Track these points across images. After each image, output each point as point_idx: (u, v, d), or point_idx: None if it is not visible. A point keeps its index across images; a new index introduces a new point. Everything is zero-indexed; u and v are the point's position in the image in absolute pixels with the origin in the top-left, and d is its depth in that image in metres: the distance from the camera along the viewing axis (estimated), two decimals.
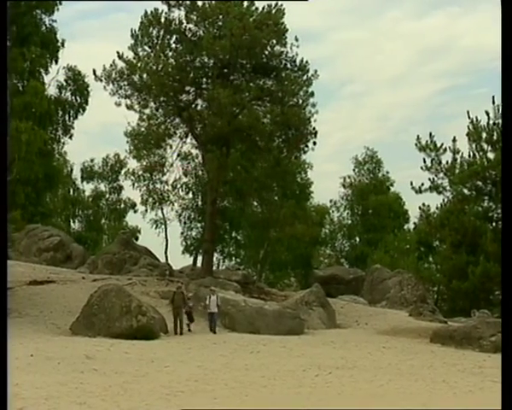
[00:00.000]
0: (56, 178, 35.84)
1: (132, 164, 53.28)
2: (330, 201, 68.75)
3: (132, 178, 47.11)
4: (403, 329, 33.71)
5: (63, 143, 36.58)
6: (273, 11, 40.47)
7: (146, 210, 49.72)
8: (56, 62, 32.04)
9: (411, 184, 34.38)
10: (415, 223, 42.88)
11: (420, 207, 35.57)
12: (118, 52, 40.50)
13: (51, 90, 32.30)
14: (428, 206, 35.12)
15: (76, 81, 32.85)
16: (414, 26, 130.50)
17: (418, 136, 33.91)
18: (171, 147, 44.07)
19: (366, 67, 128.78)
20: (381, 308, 42.52)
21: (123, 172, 65.69)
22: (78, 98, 33.10)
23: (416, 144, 34.03)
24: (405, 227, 65.66)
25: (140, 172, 46.51)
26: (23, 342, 23.59)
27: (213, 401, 15.74)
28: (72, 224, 71.13)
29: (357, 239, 68.58)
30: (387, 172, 69.40)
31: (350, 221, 69.17)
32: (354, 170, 69.55)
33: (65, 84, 32.72)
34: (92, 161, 70.98)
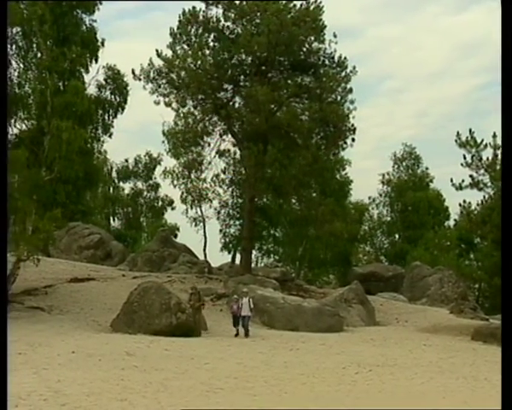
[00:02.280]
0: (96, 177, 36.17)
1: (168, 162, 53.57)
2: (369, 198, 68.41)
3: (171, 176, 47.24)
4: (444, 326, 33.37)
5: (103, 142, 36.89)
6: (311, 8, 40.35)
7: (186, 209, 49.86)
8: (96, 62, 32.35)
9: (451, 180, 34.06)
10: (455, 220, 42.40)
11: (460, 204, 35.20)
12: (157, 50, 40.77)
13: (91, 90, 32.62)
14: (469, 202, 34.75)
15: (115, 80, 33.10)
16: (453, 21, 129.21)
17: (458, 132, 33.57)
18: (209, 145, 44.22)
19: (404, 62, 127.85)
20: (422, 306, 42.16)
21: (159, 170, 66.08)
22: (117, 97, 33.34)
23: (455, 141, 33.67)
24: (446, 224, 65.00)
25: (179, 170, 46.61)
26: (64, 339, 23.85)
27: (253, 399, 15.74)
28: (111, 222, 71.76)
29: (397, 236, 68.09)
30: (426, 169, 68.82)
31: (389, 218, 68.70)
32: (393, 167, 69.08)
33: (104, 83, 32.99)
34: (127, 160, 71.62)
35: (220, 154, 45.99)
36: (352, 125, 41.55)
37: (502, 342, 13.31)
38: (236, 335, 28.15)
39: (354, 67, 41.35)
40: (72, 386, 15.96)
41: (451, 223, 57.76)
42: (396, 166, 69.02)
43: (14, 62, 31.75)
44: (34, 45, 30.72)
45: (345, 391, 17.07)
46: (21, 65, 31.85)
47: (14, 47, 31.45)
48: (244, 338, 27.93)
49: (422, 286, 46.41)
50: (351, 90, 41.19)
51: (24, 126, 32.24)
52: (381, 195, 68.70)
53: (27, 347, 21.73)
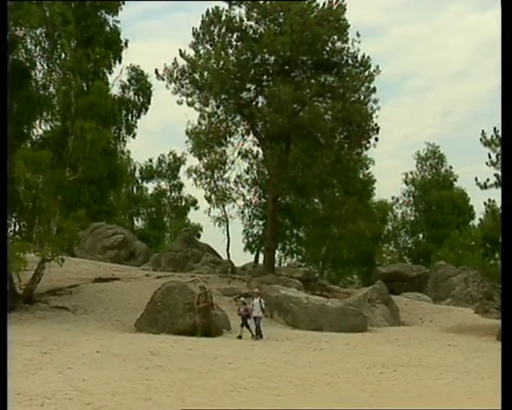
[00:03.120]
0: (120, 177, 36.37)
1: (191, 161, 53.67)
2: (392, 197, 68.09)
3: (194, 175, 47.37)
4: (469, 326, 33.12)
5: (125, 142, 37.04)
6: (334, 7, 40.24)
7: (209, 209, 49.97)
8: (120, 62, 32.52)
9: (476, 179, 33.76)
10: (480, 219, 42.11)
11: (485, 203, 34.92)
12: (180, 50, 40.90)
13: (115, 90, 32.79)
14: (494, 201, 34.44)
15: (139, 81, 33.26)
16: (477, 19, 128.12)
17: (483, 131, 33.26)
18: (232, 144, 44.27)
19: (428, 61, 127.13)
20: (446, 306, 41.88)
21: (183, 169, 66.29)
22: (140, 98, 33.48)
23: (480, 139, 33.37)
24: (470, 223, 64.53)
25: (202, 170, 46.71)
26: (89, 339, 23.98)
27: (277, 399, 15.71)
28: (135, 222, 72.07)
29: (421, 236, 67.71)
30: (450, 168, 68.37)
31: (413, 218, 68.36)
32: (417, 166, 68.71)
33: (128, 83, 33.15)
34: (151, 160, 71.88)
35: (243, 154, 46.03)
36: (376, 124, 41.43)
37: (502, 342, 13.24)
38: (239, 337, 27.26)
39: (377, 67, 41.28)
40: (97, 385, 16.03)
41: (476, 222, 57.37)
42: (420, 166, 68.67)
43: (38, 64, 31.99)
44: (58, 46, 30.88)
45: (369, 391, 16.98)
46: (46, 66, 32.07)
47: (38, 48, 31.67)
48: (269, 333, 27.98)
49: (447, 286, 46.10)
50: (374, 90, 41.08)
51: (48, 127, 32.46)
52: (404, 194, 68.40)
53: (53, 346, 21.87)
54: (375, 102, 41.24)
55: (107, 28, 32.50)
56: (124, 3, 32.80)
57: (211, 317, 27.72)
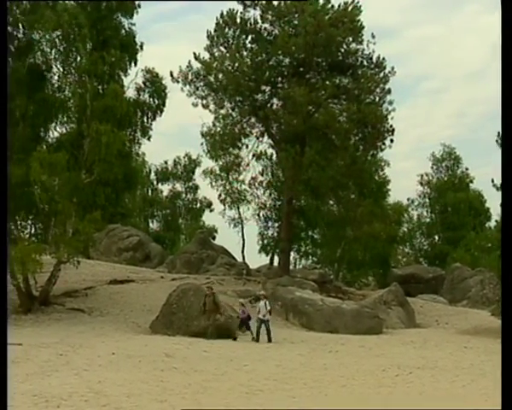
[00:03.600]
0: (135, 179, 36.49)
1: (207, 164, 53.74)
2: (408, 199, 67.89)
3: (210, 177, 47.51)
4: (485, 329, 32.94)
5: (140, 145, 37.11)
6: (349, 8, 40.18)
7: (224, 210, 50.06)
8: (135, 65, 32.59)
9: (492, 181, 33.60)
10: (496, 221, 41.89)
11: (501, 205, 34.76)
12: (194, 53, 40.99)
13: (130, 93, 32.85)
14: None
15: (154, 83, 33.28)
16: (492, 20, 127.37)
17: (499, 132, 33.09)
18: (246, 146, 44.27)
19: (443, 62, 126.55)
20: (462, 308, 41.70)
21: (198, 171, 66.47)
22: (156, 100, 33.52)
23: (496, 141, 33.24)
24: (487, 225, 64.23)
25: (217, 172, 46.81)
26: (105, 341, 24.04)
27: (292, 401, 15.67)
28: (150, 224, 72.23)
29: (436, 237, 67.46)
30: (467, 169, 68.07)
31: (428, 219, 68.11)
32: (432, 167, 68.46)
33: (143, 86, 33.20)
34: (166, 162, 72.05)
35: (258, 156, 46.04)
36: (391, 125, 41.32)
37: (502, 342, 13.15)
38: (235, 339, 27.06)
39: (393, 68, 41.22)
40: (113, 387, 16.06)
41: (492, 224, 57.10)
42: (435, 167, 68.43)
43: (54, 67, 32.15)
44: (74, 49, 31.02)
45: (385, 393, 16.91)
46: (61, 69, 32.22)
47: (53, 51, 31.82)
48: (285, 335, 27.93)
49: (463, 288, 45.92)
50: (389, 91, 41.01)
51: (64, 130, 32.60)
52: (420, 196, 68.17)
53: (68, 348, 21.94)
54: (391, 103, 41.23)
55: (123, 31, 32.59)
56: (139, 6, 32.88)
57: (218, 319, 27.44)
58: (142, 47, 32.49)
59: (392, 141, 41.70)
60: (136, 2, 32.65)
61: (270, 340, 26.76)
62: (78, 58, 31.31)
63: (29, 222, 32.77)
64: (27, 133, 30.06)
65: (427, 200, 68.12)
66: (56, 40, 31.19)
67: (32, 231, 32.98)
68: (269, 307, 27.57)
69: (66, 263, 30.75)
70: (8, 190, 14.69)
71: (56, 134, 32.72)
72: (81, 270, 33.04)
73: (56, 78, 32.40)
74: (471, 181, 67.61)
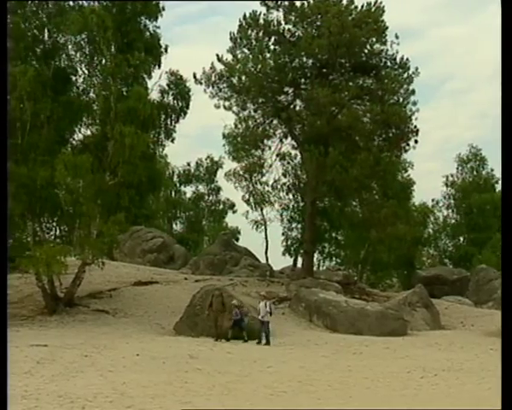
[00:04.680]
0: (159, 181, 36.58)
1: (229, 165, 53.84)
2: (432, 200, 67.45)
3: (233, 179, 47.55)
4: None
5: (164, 147, 37.17)
6: (372, 9, 40.02)
7: (247, 211, 50.09)
8: (159, 67, 32.62)
9: None
10: None
11: None
12: (217, 55, 41.07)
13: (154, 95, 32.91)
14: None
15: (178, 85, 33.31)
16: None
17: None
18: (269, 148, 44.27)
19: (467, 63, 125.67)
20: (488, 309, 41.32)
21: (221, 173, 66.59)
22: (179, 102, 33.54)
23: None
24: None
25: (240, 173, 46.84)
26: (129, 342, 24.15)
27: (317, 402, 15.62)
28: (173, 225, 72.42)
29: (461, 239, 66.96)
30: (492, 170, 67.48)
31: (453, 221, 67.63)
32: (458, 168, 67.99)
33: (167, 88, 33.24)
34: (189, 164, 72.21)
35: (281, 157, 45.99)
36: (415, 126, 41.08)
37: (502, 341, 13.02)
38: (227, 339, 26.62)
39: (416, 69, 40.98)
40: (137, 388, 16.11)
41: None
42: (460, 168, 67.96)
43: (79, 69, 32.35)
44: (98, 52, 31.18)
45: (410, 396, 16.80)
46: (86, 72, 32.41)
47: (79, 54, 32.01)
48: (308, 337, 27.83)
49: (488, 289, 45.52)
50: (413, 92, 40.79)
51: (88, 132, 32.78)
52: (445, 197, 67.72)
53: (93, 349, 22.06)
54: (415, 104, 40.98)
55: (147, 34, 32.68)
56: (164, 9, 32.93)
57: (225, 321, 27.25)
58: (166, 50, 32.54)
59: (416, 142, 41.47)
60: (161, 5, 32.71)
61: (268, 342, 26.33)
62: (103, 61, 31.46)
63: (54, 224, 32.95)
64: (52, 136, 30.24)
65: (452, 201, 67.64)
66: (82, 43, 31.36)
67: (57, 232, 33.17)
68: (268, 309, 27.21)
69: (90, 265, 30.91)
70: (8, 191, 14.74)
71: (81, 136, 32.90)
72: (105, 271, 33.19)
73: (81, 80, 32.62)
74: (496, 182, 67.02)
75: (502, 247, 20.50)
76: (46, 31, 31.56)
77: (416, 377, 19.61)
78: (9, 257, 29.98)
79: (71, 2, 32.07)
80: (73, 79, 32.43)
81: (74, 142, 32.77)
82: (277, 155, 45.21)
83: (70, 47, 31.95)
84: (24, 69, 29.03)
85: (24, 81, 28.44)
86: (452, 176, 68.03)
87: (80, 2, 32.08)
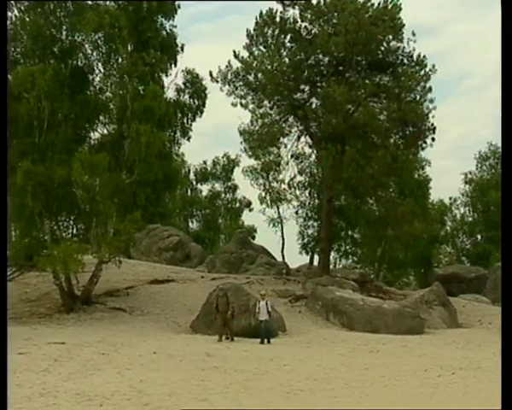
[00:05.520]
0: (175, 180, 36.62)
1: (245, 163, 53.79)
2: (450, 198, 67.13)
3: (249, 175, 47.60)
4: None
5: (180, 145, 37.17)
6: (389, 6, 39.87)
7: (264, 209, 50.10)
8: (175, 66, 32.62)
9: None
10: None
11: None
12: (234, 52, 41.06)
13: (170, 94, 32.94)
14: None
15: (194, 84, 33.31)
16: None
17: None
18: (285, 146, 44.23)
19: (483, 60, 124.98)
20: None
21: (237, 171, 66.64)
22: (195, 101, 33.55)
23: None
24: None
25: (257, 171, 46.84)
26: (146, 340, 24.21)
27: (333, 401, 15.60)
28: (190, 223, 72.54)
29: (479, 237, 66.58)
30: None
31: (471, 218, 67.27)
32: (477, 166, 67.61)
33: (183, 87, 33.25)
34: (205, 162, 72.30)
35: (297, 155, 45.93)
36: (432, 124, 40.86)
37: (502, 341, 12.96)
38: (219, 340, 26.07)
39: (433, 66, 40.69)
40: (154, 386, 16.15)
41: None
42: (479, 166, 67.57)
43: (96, 68, 32.43)
44: (115, 51, 31.24)
45: (427, 394, 16.74)
46: (103, 70, 32.48)
47: (95, 53, 32.10)
48: (325, 335, 27.73)
49: None
50: (430, 89, 40.55)
51: (105, 131, 32.87)
52: (462, 194, 67.37)
53: (110, 347, 22.14)
54: (432, 101, 40.75)
55: (164, 32, 32.70)
56: (179, 7, 32.93)
57: (231, 322, 26.91)
58: (182, 48, 32.53)
59: (433, 139, 41.26)
60: (176, 3, 32.71)
61: (267, 341, 26.00)
62: (120, 59, 31.53)
63: (71, 222, 33.08)
64: (69, 134, 30.36)
65: (469, 199, 67.26)
66: (98, 42, 31.45)
67: (74, 231, 33.27)
68: (270, 308, 26.90)
69: (107, 263, 31.01)
70: (7, 191, 14.81)
71: (98, 135, 32.99)
72: (122, 270, 33.33)
73: (98, 79, 32.70)
74: None
75: (502, 246, 20.42)
76: (64, 30, 31.65)
77: (434, 375, 19.54)
78: (27, 255, 30.39)
79: (89, 1, 32.10)
80: (90, 77, 32.51)
81: (91, 140, 32.86)
82: (293, 154, 45.15)
83: (87, 46, 32.04)
84: (43, 68, 29.17)
85: (42, 80, 28.56)
86: (471, 173, 67.69)
87: (96, 1, 32.12)
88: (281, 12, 41.36)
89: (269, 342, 26.01)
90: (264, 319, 26.59)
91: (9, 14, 31.10)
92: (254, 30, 41.29)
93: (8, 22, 31.04)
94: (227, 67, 41.17)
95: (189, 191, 72.43)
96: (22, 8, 31.47)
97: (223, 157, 71.96)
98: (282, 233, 50.27)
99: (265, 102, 42.55)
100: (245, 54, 41.33)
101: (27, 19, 31.15)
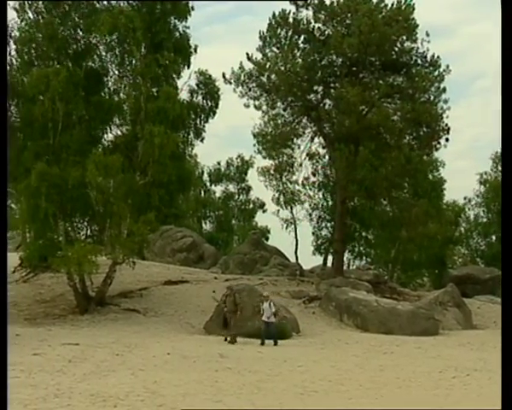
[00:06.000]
0: (189, 181, 36.60)
1: (259, 164, 53.79)
2: (464, 198, 66.76)
3: (263, 177, 47.59)
4: None
5: (193, 146, 37.19)
6: (403, 7, 39.77)
7: (278, 210, 50.12)
8: (189, 67, 32.63)
9: None
10: None
11: None
12: (247, 53, 41.15)
13: (183, 95, 32.96)
14: None
15: (207, 85, 33.32)
16: None
17: None
18: (299, 147, 44.22)
19: (497, 60, 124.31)
20: None
21: (251, 172, 66.65)
22: (208, 102, 33.56)
23: None
24: None
25: (271, 172, 46.83)
26: (160, 341, 24.25)
27: (348, 402, 15.55)
28: (203, 225, 72.59)
29: (494, 237, 66.18)
30: None
31: (485, 219, 66.89)
32: (492, 166, 67.20)
33: (196, 88, 33.28)
34: (219, 163, 72.37)
35: (310, 156, 45.88)
36: (446, 124, 40.76)
37: (502, 340, 12.89)
38: (226, 339, 26.01)
39: (447, 66, 40.66)
40: (168, 387, 16.16)
41: None
42: (494, 166, 67.18)
43: (110, 70, 32.49)
44: (128, 52, 31.30)
45: (442, 396, 16.67)
46: (117, 72, 32.56)
47: (109, 55, 32.17)
48: (339, 336, 27.65)
49: None
50: (444, 90, 40.48)
51: (119, 132, 32.93)
52: (477, 195, 67.00)
53: (124, 348, 22.18)
54: (446, 102, 40.67)
55: (177, 34, 32.72)
56: (193, 9, 32.92)
57: (238, 321, 26.64)
58: (196, 50, 32.52)
59: (447, 140, 41.16)
60: (190, 5, 32.73)
61: (274, 343, 25.54)
62: (133, 61, 31.58)
63: (85, 223, 33.16)
64: (83, 136, 30.42)
65: (484, 199, 66.88)
66: (112, 43, 31.53)
67: (88, 232, 33.35)
68: (273, 309, 26.57)
69: (121, 264, 31.08)
70: (7, 190, 14.86)
71: (111, 136, 33.06)
72: (136, 271, 33.39)
73: (112, 81, 32.76)
74: None
75: (502, 246, 20.29)
76: (79, 32, 31.75)
77: (448, 376, 19.46)
78: (42, 256, 30.50)
79: (105, 2, 32.20)
80: (104, 79, 32.59)
81: (105, 142, 32.93)
82: (307, 154, 45.10)
83: (101, 48, 32.11)
84: (57, 70, 29.27)
85: (56, 82, 28.66)
86: (486, 174, 67.32)
87: (111, 2, 32.20)
88: (294, 13, 41.42)
89: (275, 343, 25.52)
90: (269, 321, 26.22)
91: (25, 15, 31.27)
92: (267, 31, 41.34)
93: (24, 24, 31.22)
94: (240, 68, 41.25)
95: (202, 192, 72.50)
96: (37, 10, 31.53)
97: (236, 158, 72.09)
98: (296, 234, 50.20)
99: (279, 104, 42.62)
100: (258, 55, 41.44)
101: (42, 21, 31.22)
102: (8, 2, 31.02)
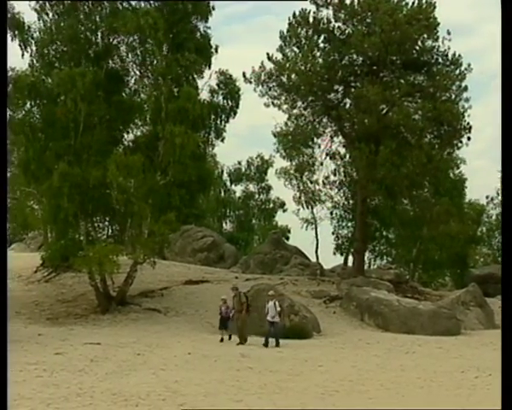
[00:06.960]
0: (209, 181, 36.66)
1: (279, 164, 53.77)
2: (487, 197, 66.23)
3: (285, 176, 47.52)
4: None
5: (214, 146, 37.25)
6: (424, 5, 39.61)
7: (298, 210, 50.05)
8: (209, 67, 32.67)
9: None
10: None
11: None
12: (267, 53, 41.19)
13: (204, 95, 33.00)
14: None
15: (227, 85, 33.34)
16: None
17: None
18: (319, 146, 44.16)
19: None
20: None
21: (271, 172, 66.55)
22: (229, 102, 33.58)
23: None
24: None
25: (291, 172, 46.77)
26: (180, 341, 24.31)
27: (368, 402, 15.52)
28: (223, 224, 72.65)
29: None
30: None
31: None
32: None
33: (217, 88, 33.30)
34: (240, 163, 72.41)
35: (331, 155, 45.79)
36: (468, 123, 40.56)
37: (502, 340, 12.79)
38: (221, 340, 25.62)
39: (469, 65, 40.53)
40: (189, 387, 16.21)
41: None
42: None
43: (131, 70, 32.64)
44: (150, 53, 31.41)
45: (464, 396, 16.58)
46: (138, 72, 32.69)
47: (130, 55, 32.31)
48: (360, 336, 27.56)
49: None
50: (466, 88, 40.30)
51: (140, 132, 33.04)
52: (499, 194, 66.46)
53: (145, 348, 22.28)
54: (467, 100, 40.51)
55: (198, 34, 32.78)
56: (214, 9, 32.99)
57: (246, 322, 26.15)
58: (217, 50, 32.57)
59: (469, 139, 40.97)
60: (211, 5, 32.78)
61: (276, 344, 25.01)
62: (154, 61, 31.68)
63: (106, 223, 33.31)
64: (104, 136, 30.53)
65: None
66: (134, 44, 31.65)
67: (109, 232, 33.50)
68: (279, 309, 25.87)
69: (142, 264, 31.17)
70: (7, 190, 14.92)
71: (132, 136, 33.17)
72: (157, 270, 33.48)
73: (133, 81, 32.90)
74: None
75: (502, 247, 20.15)
76: (99, 32, 31.88)
77: (470, 376, 19.36)
78: (63, 256, 30.70)
79: (124, 3, 32.30)
80: (125, 80, 32.72)
81: (126, 142, 33.05)
82: (327, 154, 45.01)
83: (122, 48, 32.24)
84: (83, 71, 29.41)
85: (82, 83, 28.80)
86: None
87: (133, 2, 32.31)
88: (314, 12, 41.36)
89: (277, 345, 24.88)
90: (273, 321, 25.64)
91: (45, 17, 31.47)
92: (287, 31, 41.34)
93: (42, 25, 31.42)
94: (260, 67, 41.26)
95: (222, 192, 72.58)
96: (58, 11, 31.71)
97: (256, 158, 72.09)
98: (316, 234, 50.02)
99: (299, 103, 42.58)
100: (278, 55, 41.42)
101: (63, 23, 31.40)
102: (29, 2, 31.47)
